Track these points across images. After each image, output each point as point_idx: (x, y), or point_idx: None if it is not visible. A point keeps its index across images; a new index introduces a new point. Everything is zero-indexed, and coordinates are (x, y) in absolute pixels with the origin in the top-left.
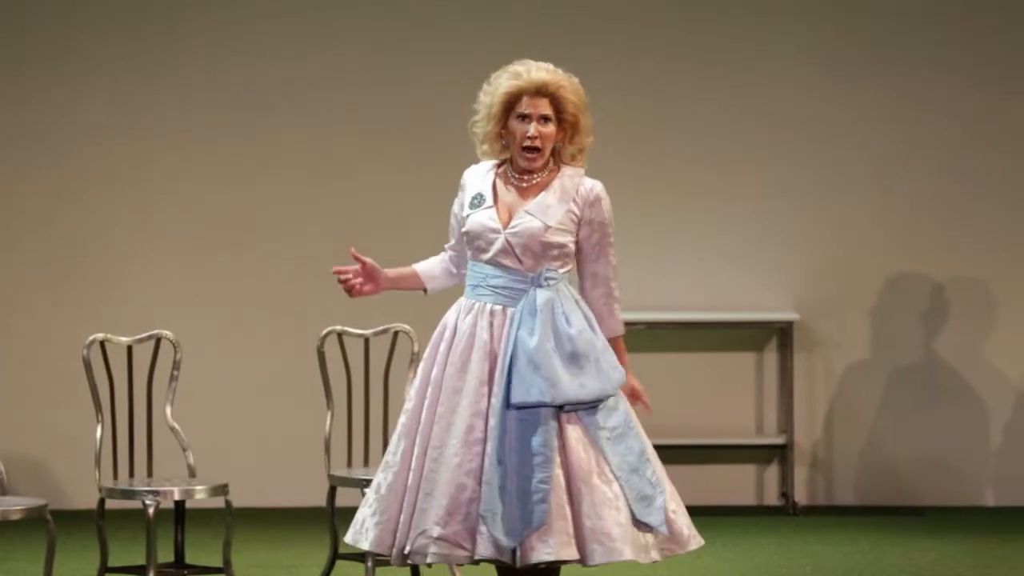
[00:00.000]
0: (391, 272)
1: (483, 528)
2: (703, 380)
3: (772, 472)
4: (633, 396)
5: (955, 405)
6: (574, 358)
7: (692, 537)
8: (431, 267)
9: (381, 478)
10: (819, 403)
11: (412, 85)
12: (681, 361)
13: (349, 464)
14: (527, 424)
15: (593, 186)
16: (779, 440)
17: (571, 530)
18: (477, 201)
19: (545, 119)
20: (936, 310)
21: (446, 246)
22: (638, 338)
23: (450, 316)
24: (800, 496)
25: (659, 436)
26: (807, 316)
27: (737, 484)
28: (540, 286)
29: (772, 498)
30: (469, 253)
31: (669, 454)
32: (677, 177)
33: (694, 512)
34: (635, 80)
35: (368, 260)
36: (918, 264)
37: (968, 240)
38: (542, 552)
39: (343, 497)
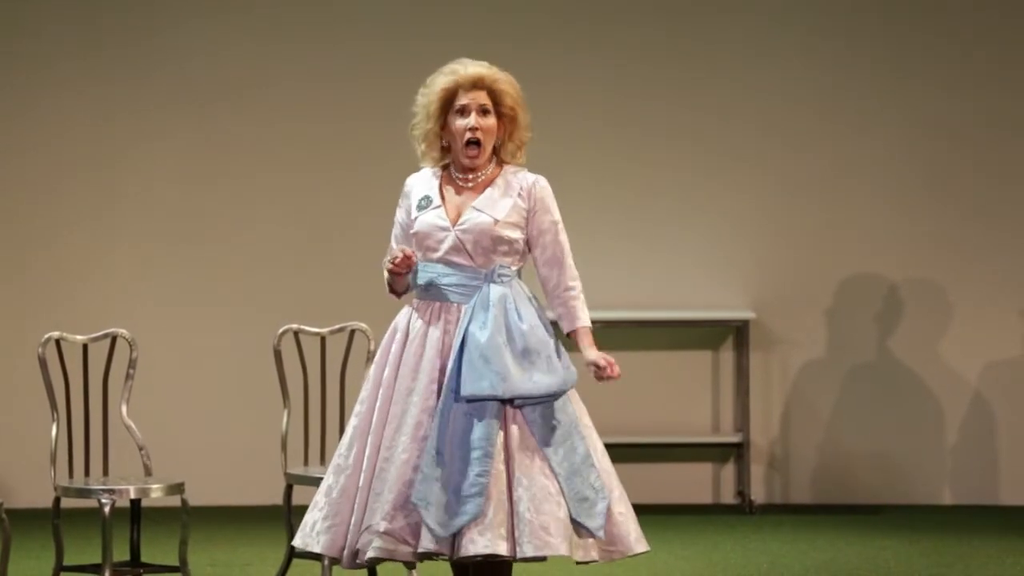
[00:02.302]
0: None
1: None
2: (659, 379)
3: (728, 471)
4: (608, 368)
5: (911, 404)
6: (526, 353)
7: (638, 541)
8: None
9: (332, 481)
10: (775, 402)
11: (367, 85)
12: (637, 359)
13: (306, 462)
14: (471, 417)
15: (536, 180)
16: (735, 439)
17: (509, 525)
18: (424, 203)
19: (484, 111)
20: (891, 309)
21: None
22: (594, 336)
23: (401, 319)
24: (757, 495)
25: (615, 434)
26: (763, 315)
27: (693, 483)
28: (494, 282)
29: (729, 497)
30: (419, 255)
31: (625, 452)
32: (634, 176)
33: (650, 510)
34: (592, 79)
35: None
36: (873, 264)
37: (922, 240)
38: (479, 544)
39: (300, 495)
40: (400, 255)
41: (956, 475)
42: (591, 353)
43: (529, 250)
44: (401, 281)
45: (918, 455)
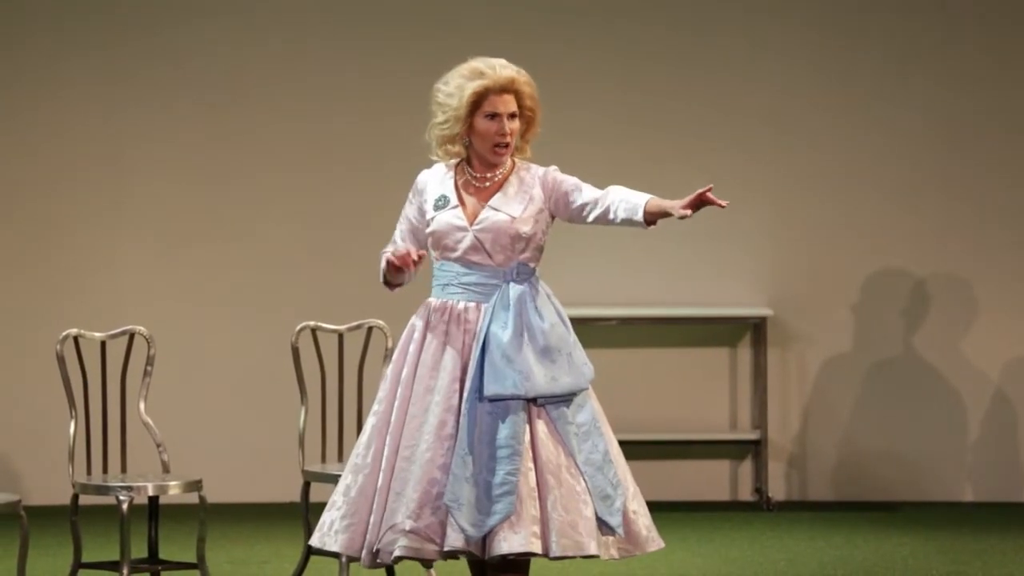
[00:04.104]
0: None
1: (451, 519)
2: (677, 376)
3: (746, 468)
4: (699, 200)
5: (931, 401)
6: (547, 352)
7: (651, 539)
8: None
9: (350, 480)
10: (793, 399)
11: (377, 84)
12: (655, 357)
13: (323, 460)
14: (497, 417)
15: (548, 170)
16: (753, 436)
17: (539, 523)
18: (441, 203)
19: (512, 115)
20: (911, 306)
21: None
22: (611, 334)
23: (419, 317)
24: (774, 492)
25: (633, 432)
26: (781, 312)
27: (711, 480)
28: (513, 281)
29: (746, 494)
30: (436, 254)
31: (643, 450)
32: (650, 173)
33: (668, 508)
34: (609, 77)
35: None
36: (891, 260)
37: (941, 236)
38: (513, 543)
39: (317, 493)
40: (404, 251)
41: (977, 472)
42: (682, 200)
43: (567, 217)
44: (396, 275)
45: (938, 452)
